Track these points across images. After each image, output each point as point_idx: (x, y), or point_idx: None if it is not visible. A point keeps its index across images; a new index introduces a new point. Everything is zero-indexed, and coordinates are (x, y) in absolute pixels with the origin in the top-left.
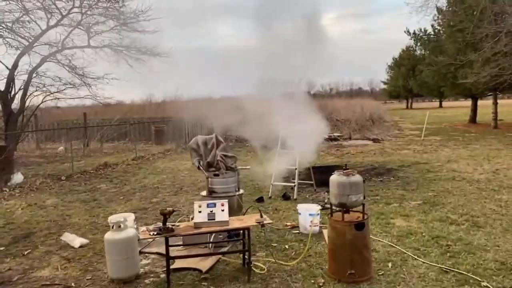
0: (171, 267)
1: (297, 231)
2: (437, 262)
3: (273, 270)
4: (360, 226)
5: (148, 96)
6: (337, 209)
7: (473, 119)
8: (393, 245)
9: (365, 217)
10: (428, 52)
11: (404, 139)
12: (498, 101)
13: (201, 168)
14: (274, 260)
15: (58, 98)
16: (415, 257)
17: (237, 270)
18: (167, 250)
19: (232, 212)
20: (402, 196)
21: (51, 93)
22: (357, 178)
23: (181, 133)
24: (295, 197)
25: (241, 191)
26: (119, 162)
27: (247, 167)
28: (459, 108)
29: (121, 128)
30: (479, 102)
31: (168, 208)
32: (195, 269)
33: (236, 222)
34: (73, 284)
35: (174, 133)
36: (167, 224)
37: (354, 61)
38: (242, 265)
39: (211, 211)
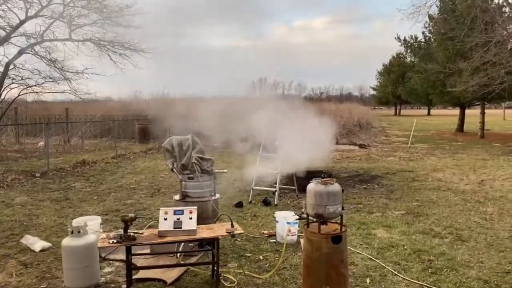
0: (135, 277)
1: (274, 240)
2: (417, 279)
3: (243, 283)
4: (337, 239)
5: (134, 93)
6: (314, 219)
7: (460, 128)
8: (373, 258)
9: (343, 229)
10: (418, 59)
11: (390, 146)
12: (486, 110)
13: (174, 170)
14: (247, 273)
15: (36, 92)
16: (395, 272)
17: (205, 282)
18: (127, 259)
19: (207, 218)
20: (386, 205)
21: (29, 86)
22: (336, 187)
23: (165, 132)
24: (275, 203)
25: (217, 196)
26: (98, 160)
27: (224, 170)
28: (447, 116)
29: (104, 125)
30: (467, 111)
31: (130, 215)
32: (159, 280)
33: (205, 232)
34: None
35: (158, 132)
36: (128, 231)
37: (345, 66)
38: (211, 276)
39: (178, 219)
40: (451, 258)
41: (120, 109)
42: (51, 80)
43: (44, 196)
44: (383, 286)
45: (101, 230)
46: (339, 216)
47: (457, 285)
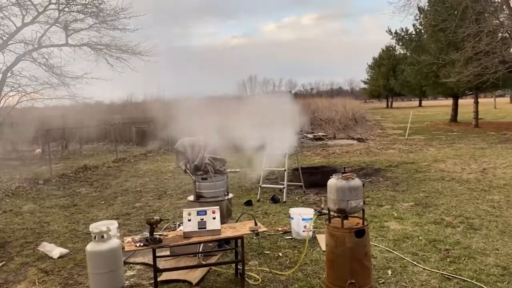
0: (159, 279)
1: (290, 237)
2: (437, 268)
3: (267, 280)
4: (360, 233)
5: (129, 96)
6: (335, 215)
7: (454, 118)
8: (391, 250)
9: (365, 223)
10: (410, 51)
11: (388, 139)
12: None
13: (188, 171)
14: (269, 270)
15: (35, 99)
16: (415, 263)
17: (229, 281)
18: (154, 262)
19: (222, 217)
20: (393, 197)
21: (27, 94)
22: (357, 182)
23: (164, 134)
24: (284, 200)
25: (230, 195)
26: (99, 164)
27: (236, 170)
28: (438, 107)
29: (101, 129)
30: (459, 101)
31: (155, 217)
32: (184, 281)
33: (229, 231)
34: None
35: (156, 134)
36: (154, 234)
37: (335, 61)
38: (234, 275)
39: (202, 219)
40: (467, 246)
41: (116, 112)
42: (49, 86)
43: (51, 203)
44: (404, 277)
45: (118, 234)
46: (361, 211)
47: (477, 272)
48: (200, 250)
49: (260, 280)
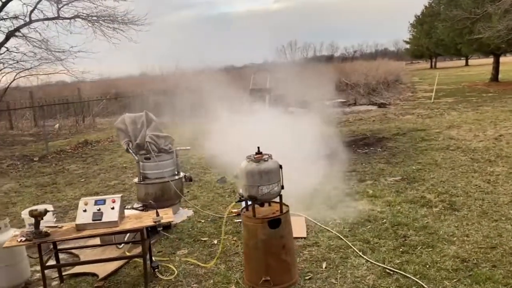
0: (71, 272)
1: (240, 220)
2: (384, 260)
3: (183, 274)
4: (274, 223)
5: (146, 68)
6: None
7: (495, 77)
8: (341, 237)
9: (284, 210)
10: (443, 6)
11: (413, 103)
12: None
13: (130, 151)
14: (193, 261)
15: (32, 75)
16: (360, 253)
17: (141, 275)
18: (41, 258)
19: (169, 199)
20: (382, 171)
21: (26, 69)
22: (270, 164)
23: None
24: None
25: (181, 174)
26: (102, 139)
27: (187, 147)
28: (486, 65)
29: (119, 102)
30: (505, 59)
31: (39, 209)
32: (94, 274)
33: (129, 222)
34: None
35: (170, 106)
36: (40, 227)
37: (380, 21)
38: (151, 268)
39: (98, 210)
40: (433, 232)
41: (134, 85)
42: (47, 61)
43: (33, 181)
44: (339, 271)
45: (54, 220)
46: (278, 197)
47: (427, 266)
48: (126, 239)
49: (176, 273)
